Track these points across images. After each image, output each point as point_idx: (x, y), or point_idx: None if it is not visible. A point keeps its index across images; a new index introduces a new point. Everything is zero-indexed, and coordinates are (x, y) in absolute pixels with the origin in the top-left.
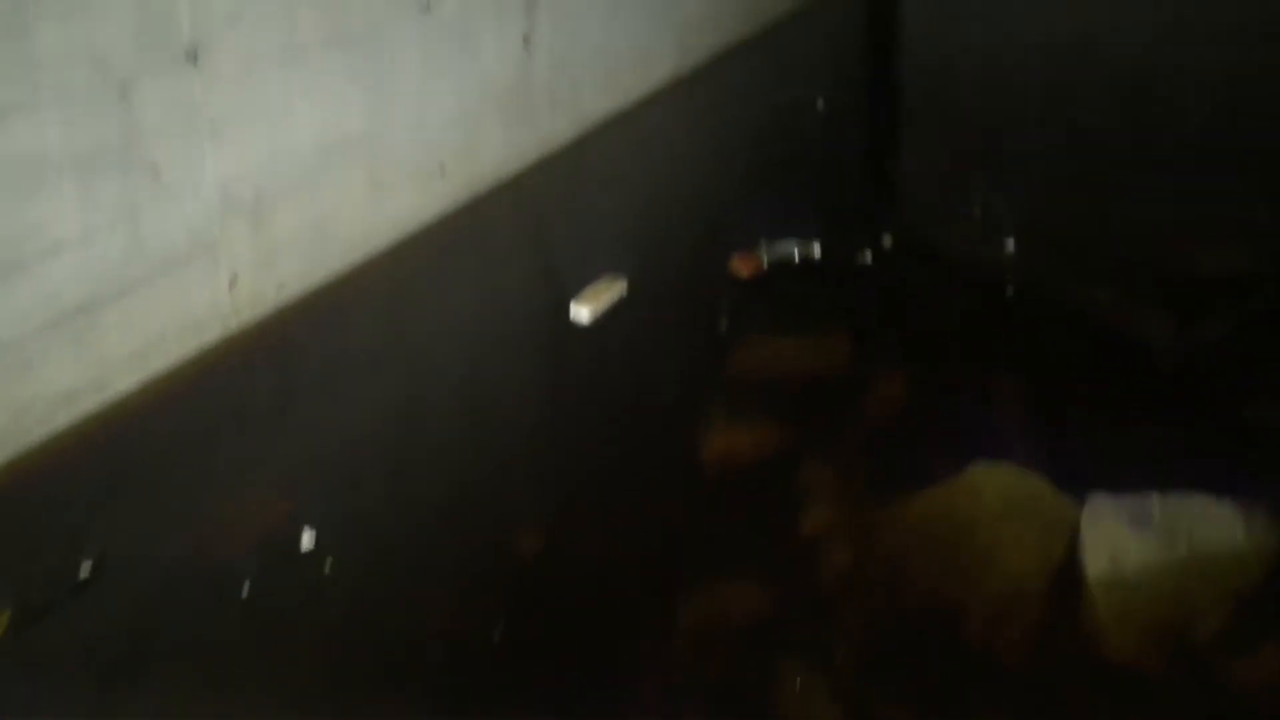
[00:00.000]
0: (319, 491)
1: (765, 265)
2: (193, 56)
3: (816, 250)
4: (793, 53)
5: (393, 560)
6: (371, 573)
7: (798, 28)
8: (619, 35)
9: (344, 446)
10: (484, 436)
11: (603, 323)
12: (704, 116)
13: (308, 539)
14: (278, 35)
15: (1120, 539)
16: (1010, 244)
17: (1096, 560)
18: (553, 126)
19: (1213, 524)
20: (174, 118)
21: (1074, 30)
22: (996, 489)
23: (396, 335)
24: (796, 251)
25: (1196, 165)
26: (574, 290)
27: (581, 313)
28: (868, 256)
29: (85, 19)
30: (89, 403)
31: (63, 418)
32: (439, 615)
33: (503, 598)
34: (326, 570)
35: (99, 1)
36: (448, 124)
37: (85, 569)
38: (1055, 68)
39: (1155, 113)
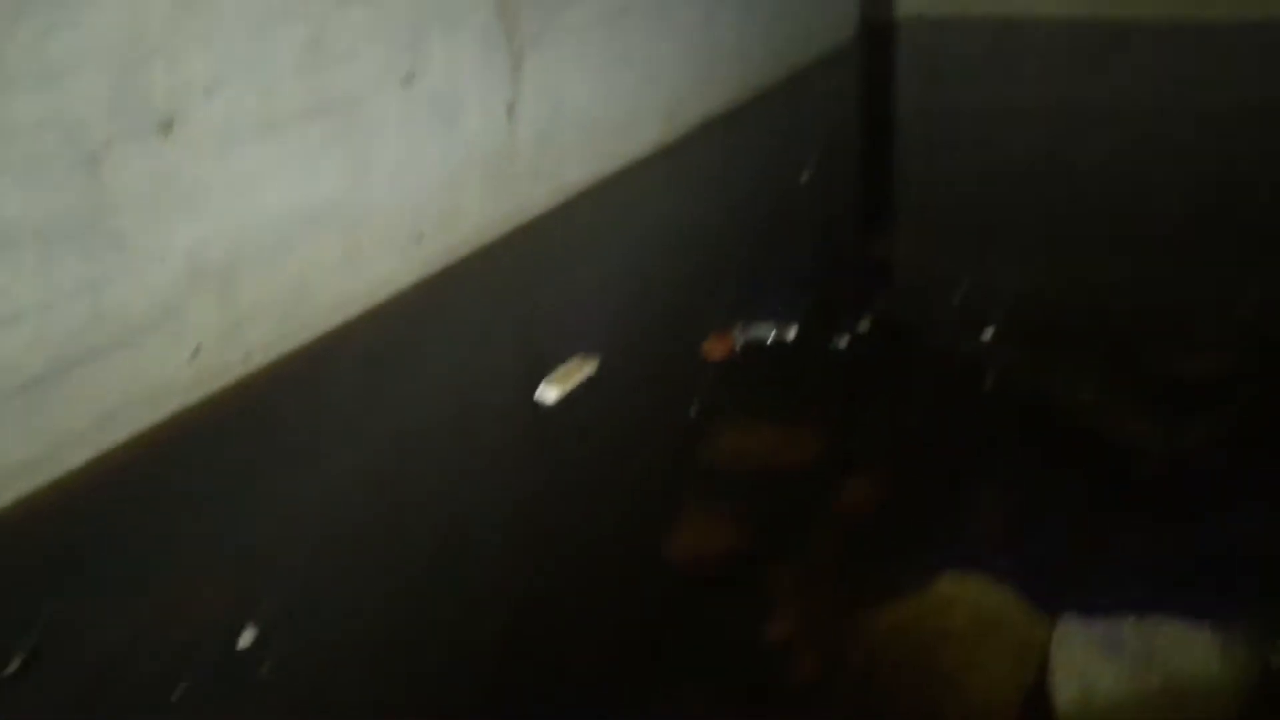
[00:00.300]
0: (267, 581)
1: (738, 347)
2: (167, 127)
3: (791, 333)
4: (782, 123)
5: (335, 661)
6: (310, 675)
7: (789, 97)
8: (604, 103)
9: (297, 532)
10: (442, 527)
11: (571, 404)
12: (688, 187)
13: (247, 636)
14: (256, 106)
15: (1092, 665)
16: (990, 333)
17: (1066, 687)
18: (534, 195)
19: (1189, 652)
20: (144, 187)
21: (1070, 104)
22: (967, 603)
23: (361, 411)
24: (771, 333)
25: (1187, 255)
26: (543, 366)
27: (550, 393)
28: (844, 341)
29: (59, 89)
30: (39, 478)
31: (8, 494)
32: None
33: (454, 700)
34: (264, 672)
35: (74, 72)
36: (427, 192)
37: (15, 663)
38: (1050, 146)
39: (1147, 198)
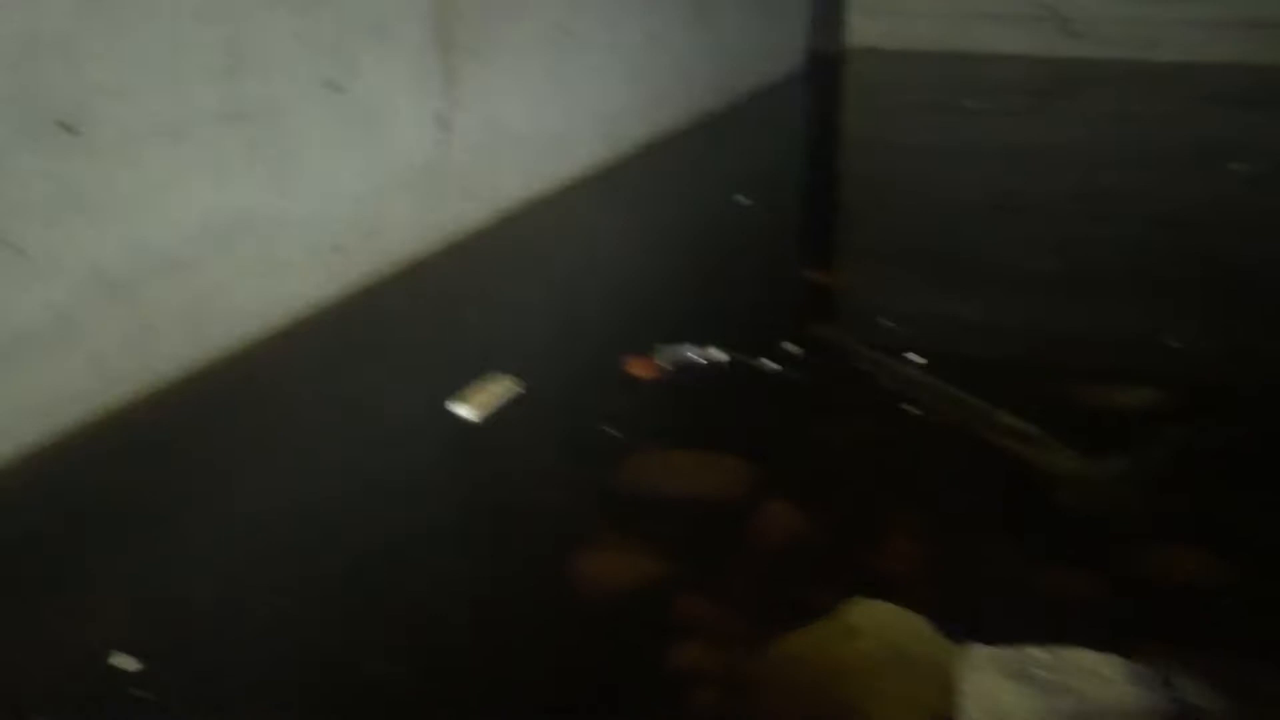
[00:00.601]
0: (147, 608)
1: (664, 368)
2: (69, 130)
3: (719, 355)
4: (723, 149)
5: (219, 688)
6: (193, 705)
7: (731, 124)
8: (542, 122)
9: (182, 555)
10: (344, 550)
11: (486, 424)
12: (624, 208)
13: (127, 662)
14: (166, 109)
15: (1001, 694)
16: (919, 360)
17: (973, 717)
18: (466, 211)
19: (1099, 682)
20: (44, 193)
21: (1015, 141)
22: (875, 630)
23: (266, 428)
24: (698, 355)
25: (1122, 292)
26: (463, 384)
27: (465, 412)
28: (772, 364)
29: None
30: None
31: None
32: None
33: None
34: (136, 698)
35: None
36: (351, 203)
37: None
38: (992, 181)
39: (1087, 235)
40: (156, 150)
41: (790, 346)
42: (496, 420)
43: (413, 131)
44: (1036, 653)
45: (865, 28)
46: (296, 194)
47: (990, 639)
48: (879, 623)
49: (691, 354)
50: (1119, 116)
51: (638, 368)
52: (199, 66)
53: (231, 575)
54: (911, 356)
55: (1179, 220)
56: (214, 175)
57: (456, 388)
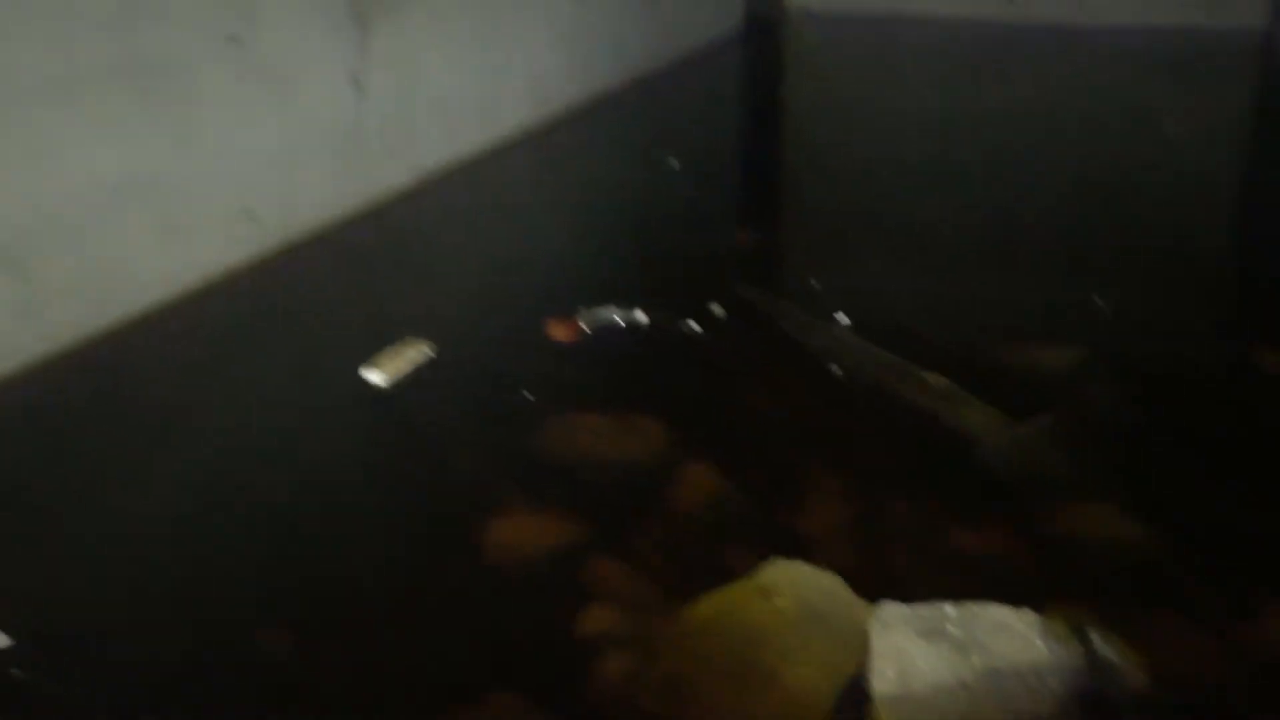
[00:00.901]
0: (36, 577)
1: (585, 330)
2: None
3: (641, 316)
4: (656, 111)
5: (106, 659)
6: (78, 674)
7: (665, 86)
8: (465, 83)
9: (77, 523)
10: (242, 517)
11: (400, 389)
12: (551, 172)
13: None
14: (48, 66)
15: (912, 652)
16: (844, 320)
17: (884, 674)
18: (384, 174)
19: (1011, 637)
20: None
21: (950, 104)
22: (789, 590)
23: (169, 397)
24: (620, 316)
25: (1050, 254)
26: (377, 349)
27: (378, 377)
28: (695, 325)
29: None
30: None
31: None
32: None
33: (236, 707)
34: (16, 674)
35: None
36: (260, 166)
37: None
38: (925, 145)
39: (1018, 198)
40: (37, 111)
41: (716, 308)
42: (410, 385)
43: (325, 91)
44: (949, 610)
45: None
46: (200, 156)
47: (906, 597)
48: (794, 582)
49: (614, 316)
50: (1053, 79)
51: (558, 330)
52: (89, 18)
53: (124, 549)
54: (839, 318)
55: (1109, 182)
56: (108, 136)
57: (370, 353)
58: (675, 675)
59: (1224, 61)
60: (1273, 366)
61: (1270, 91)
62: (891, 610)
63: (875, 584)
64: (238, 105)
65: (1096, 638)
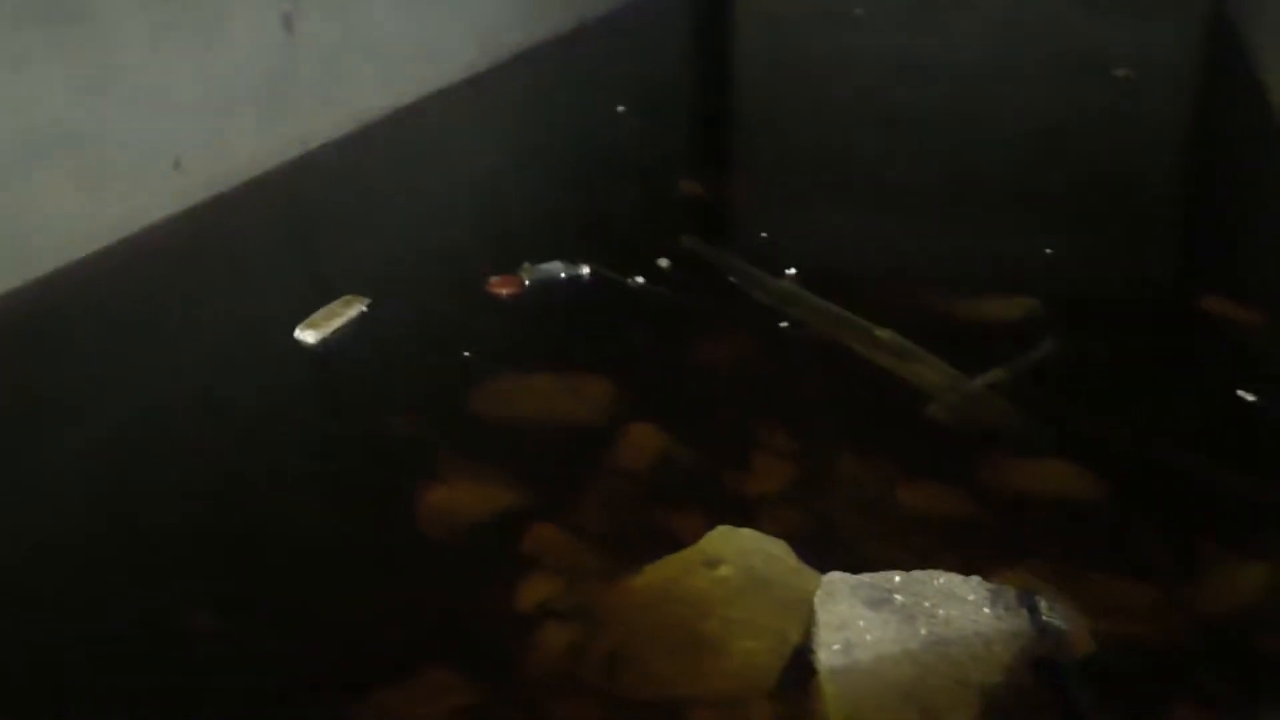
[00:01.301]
0: None
1: (527, 284)
2: None
3: (585, 270)
4: (604, 57)
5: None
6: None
7: (613, 32)
8: (404, 25)
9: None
10: (162, 483)
11: (334, 347)
12: (496, 119)
13: None
14: None
15: (857, 621)
16: (792, 273)
17: (829, 645)
18: (320, 122)
19: (958, 605)
20: None
21: (902, 54)
22: (735, 559)
23: (87, 356)
24: (563, 270)
25: (1003, 205)
26: (311, 305)
27: (310, 335)
28: (640, 279)
29: None
30: None
31: None
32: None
33: (153, 688)
34: None
35: None
36: (185, 114)
37: None
38: (877, 93)
39: (971, 149)
40: None
41: (663, 261)
42: (344, 342)
43: (253, 33)
44: (896, 578)
45: None
46: (120, 103)
47: (855, 560)
48: (739, 551)
49: (557, 270)
50: (1006, 25)
51: (500, 285)
52: None
53: (38, 514)
54: (789, 272)
55: (1060, 130)
56: (15, 82)
57: (303, 308)
58: (618, 648)
59: None
60: (1221, 313)
61: (1220, 26)
62: (837, 580)
63: (823, 547)
64: (158, 51)
65: (1044, 603)
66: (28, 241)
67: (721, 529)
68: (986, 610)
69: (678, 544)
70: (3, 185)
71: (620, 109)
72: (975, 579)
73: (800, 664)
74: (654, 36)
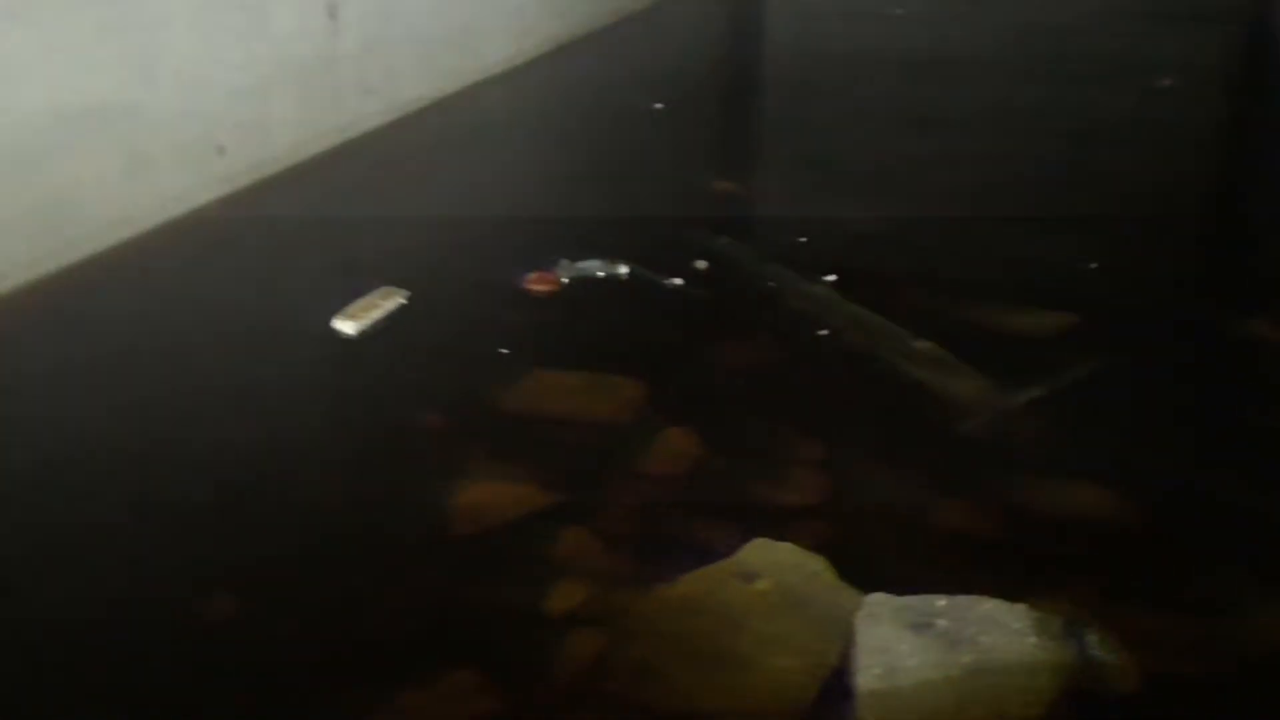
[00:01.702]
0: None
1: (563, 282)
2: None
3: (623, 269)
4: (640, 51)
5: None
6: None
7: (650, 26)
8: (444, 16)
9: (19, 471)
10: (189, 467)
11: (369, 338)
12: (533, 111)
13: None
14: None
15: (898, 646)
16: (829, 278)
17: (869, 669)
18: (360, 110)
19: (1001, 633)
20: None
21: (938, 53)
22: (773, 573)
23: (128, 340)
24: (600, 269)
25: (1041, 213)
26: (348, 296)
27: (347, 326)
28: (675, 280)
29: None
30: None
31: None
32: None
33: (170, 677)
34: None
35: None
36: (229, 99)
37: None
38: (913, 92)
39: (1009, 151)
40: None
41: (697, 262)
42: (379, 335)
43: (297, 20)
44: (939, 602)
45: None
46: (163, 86)
47: (888, 576)
48: (776, 565)
49: (593, 268)
50: (1045, 26)
51: (535, 282)
52: None
53: (69, 499)
54: (827, 278)
55: (1100, 136)
56: (64, 62)
57: (339, 297)
58: (647, 659)
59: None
60: (1269, 337)
61: (1262, 35)
62: (880, 601)
63: (856, 562)
64: (204, 33)
65: (1090, 635)
66: (71, 224)
67: (758, 542)
68: (1031, 640)
69: (710, 554)
70: (47, 167)
71: (658, 106)
72: (1021, 607)
73: (837, 686)
74: (693, 33)
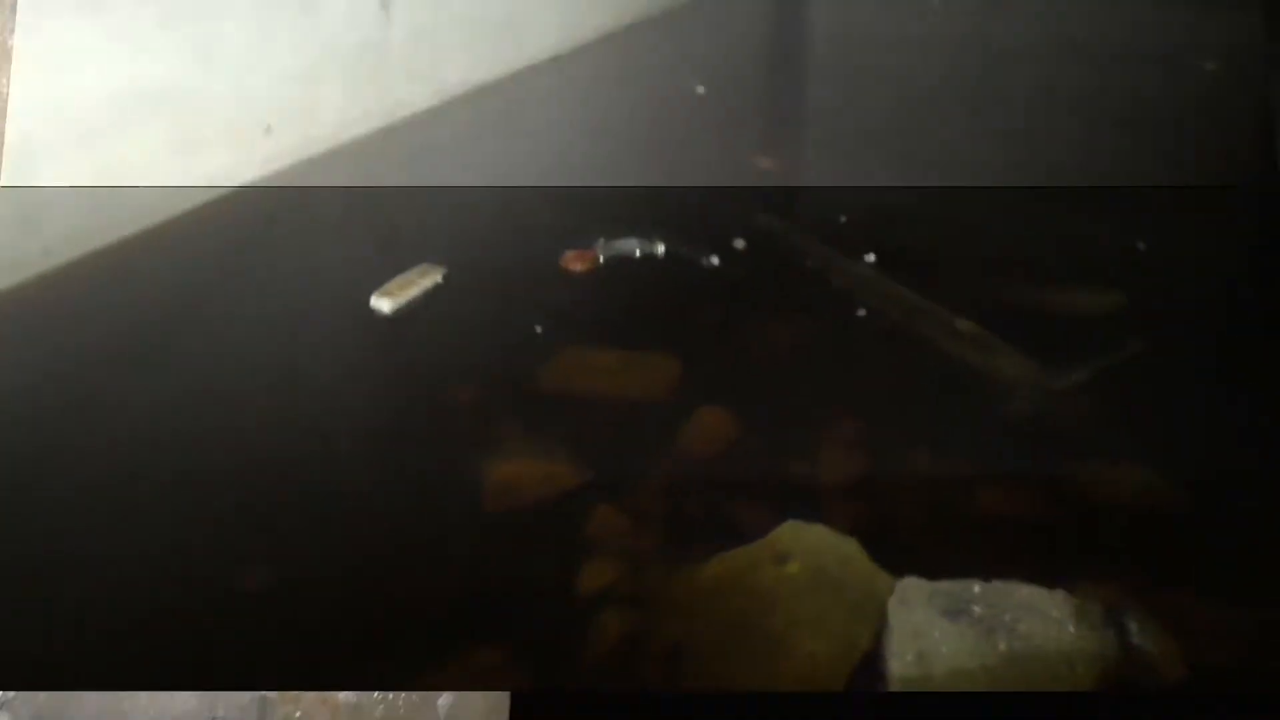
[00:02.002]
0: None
1: (601, 260)
2: None
3: (660, 248)
4: (685, 39)
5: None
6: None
7: (695, 15)
8: (494, 4)
9: (63, 445)
10: (226, 442)
11: (407, 316)
12: (578, 97)
13: None
14: None
15: (932, 631)
16: (870, 258)
17: (902, 655)
18: (407, 95)
19: (1040, 620)
20: None
21: (985, 33)
22: (805, 556)
23: (170, 315)
24: (638, 248)
25: (1090, 192)
26: (387, 273)
27: (385, 303)
28: (716, 259)
29: None
30: None
31: None
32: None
33: (202, 646)
34: None
35: None
36: (279, 81)
37: None
38: (958, 73)
39: (1051, 130)
40: (70, 19)
41: (739, 242)
42: (417, 312)
43: (349, 7)
44: (975, 587)
45: None
46: (217, 67)
47: (925, 561)
48: (810, 548)
49: (633, 247)
50: (1091, 9)
51: (574, 260)
52: None
53: (112, 479)
54: (868, 258)
55: (1147, 119)
56: (125, 46)
57: (379, 276)
58: (677, 639)
59: None
60: None
61: None
62: (913, 585)
63: (893, 546)
64: (258, 19)
65: (1132, 623)
66: (120, 201)
67: (791, 523)
68: (1070, 628)
69: (743, 535)
70: (99, 145)
71: (700, 90)
72: (1060, 593)
73: (869, 671)
74: (733, 18)
